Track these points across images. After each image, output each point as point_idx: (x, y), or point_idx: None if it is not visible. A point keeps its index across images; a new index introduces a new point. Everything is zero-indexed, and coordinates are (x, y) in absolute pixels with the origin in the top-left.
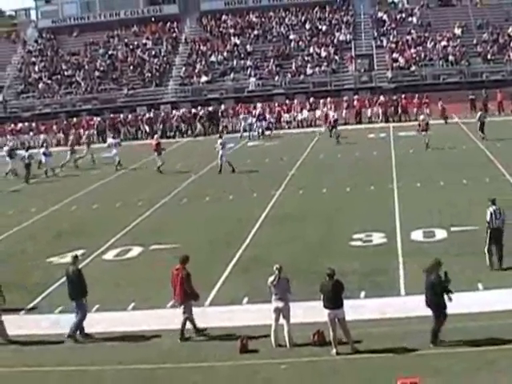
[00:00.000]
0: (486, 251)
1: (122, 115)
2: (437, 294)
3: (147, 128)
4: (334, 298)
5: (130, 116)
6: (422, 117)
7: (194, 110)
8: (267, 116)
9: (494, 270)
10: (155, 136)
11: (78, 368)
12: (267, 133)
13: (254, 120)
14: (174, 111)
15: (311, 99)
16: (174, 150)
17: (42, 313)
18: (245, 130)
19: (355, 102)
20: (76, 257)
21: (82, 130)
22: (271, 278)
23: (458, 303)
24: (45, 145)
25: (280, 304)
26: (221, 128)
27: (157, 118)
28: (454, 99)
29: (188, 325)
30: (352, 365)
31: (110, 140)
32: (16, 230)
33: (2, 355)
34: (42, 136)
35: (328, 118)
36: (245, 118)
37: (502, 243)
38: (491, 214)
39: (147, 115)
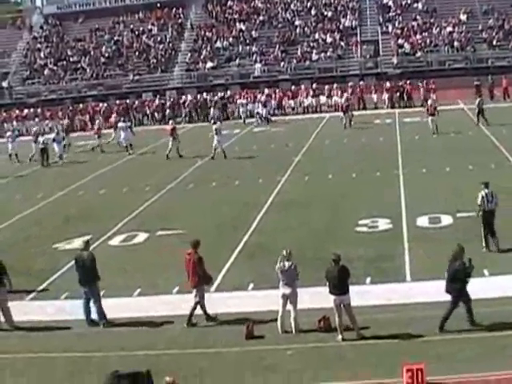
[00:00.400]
0: (482, 235)
1: (128, 101)
2: (459, 280)
3: (156, 114)
4: (339, 284)
5: (136, 102)
6: (429, 101)
7: (206, 96)
8: (272, 102)
9: (490, 252)
10: (170, 121)
11: (83, 354)
12: (273, 118)
13: (261, 106)
14: (183, 97)
15: (314, 85)
16: (181, 135)
17: (48, 299)
18: (247, 116)
19: (358, 89)
20: (87, 242)
21: (87, 116)
22: (279, 264)
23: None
24: (56, 131)
25: (287, 290)
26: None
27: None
28: (460, 85)
29: (198, 311)
30: (358, 351)
31: (120, 124)
32: (22, 215)
33: (8, 342)
34: (65, 121)
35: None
36: (242, 104)
37: (493, 225)
38: (483, 197)
39: (157, 101)
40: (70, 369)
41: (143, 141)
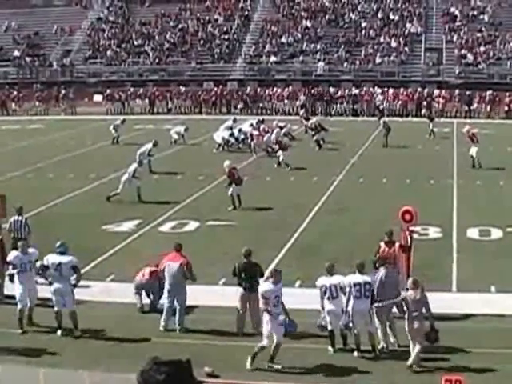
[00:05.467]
0: None
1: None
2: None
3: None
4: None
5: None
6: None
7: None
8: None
9: None
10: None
11: (123, 337)
12: (332, 119)
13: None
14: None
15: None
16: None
17: (93, 279)
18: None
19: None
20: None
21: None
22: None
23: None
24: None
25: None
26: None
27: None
28: None
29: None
30: (396, 358)
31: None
32: (75, 194)
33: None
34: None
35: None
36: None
37: None
38: None
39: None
40: (108, 351)
41: (203, 129)
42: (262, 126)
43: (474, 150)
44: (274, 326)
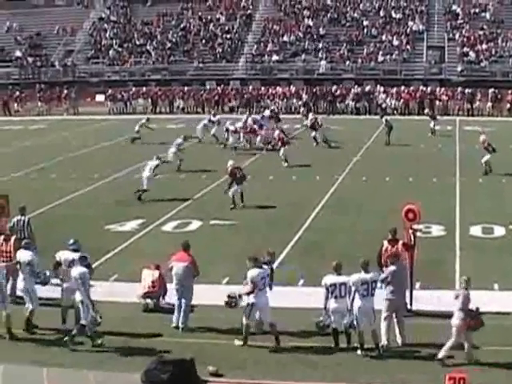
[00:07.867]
0: None
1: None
2: None
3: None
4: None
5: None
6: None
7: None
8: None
9: None
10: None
11: (129, 337)
12: (334, 117)
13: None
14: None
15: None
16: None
17: (96, 279)
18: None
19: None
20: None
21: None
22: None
23: None
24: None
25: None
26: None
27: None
28: None
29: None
30: (400, 356)
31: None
32: (78, 194)
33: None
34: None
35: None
36: None
37: None
38: None
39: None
40: (112, 351)
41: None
42: (264, 126)
43: (486, 158)
44: None
